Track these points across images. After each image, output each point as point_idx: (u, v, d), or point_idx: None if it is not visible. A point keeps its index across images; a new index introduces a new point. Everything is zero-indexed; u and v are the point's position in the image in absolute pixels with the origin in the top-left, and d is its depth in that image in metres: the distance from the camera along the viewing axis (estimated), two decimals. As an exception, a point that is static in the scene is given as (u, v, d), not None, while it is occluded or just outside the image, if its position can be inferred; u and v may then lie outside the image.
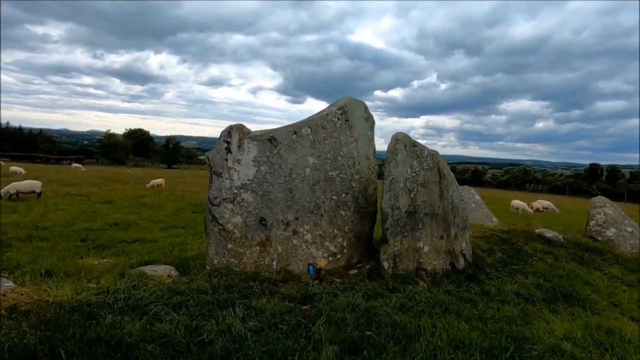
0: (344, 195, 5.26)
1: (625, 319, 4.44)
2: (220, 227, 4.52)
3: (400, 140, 4.92)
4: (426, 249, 5.17)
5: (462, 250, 5.49)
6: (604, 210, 7.51)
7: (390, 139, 4.97)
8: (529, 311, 4.19)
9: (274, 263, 4.60)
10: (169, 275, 4.15)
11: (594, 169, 52.51)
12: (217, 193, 4.54)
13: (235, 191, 4.58)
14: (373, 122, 5.92)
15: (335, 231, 5.11)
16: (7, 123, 62.65)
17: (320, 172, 5.08)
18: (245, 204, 4.59)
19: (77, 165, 33.36)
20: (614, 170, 51.99)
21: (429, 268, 5.11)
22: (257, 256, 4.55)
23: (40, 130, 67.35)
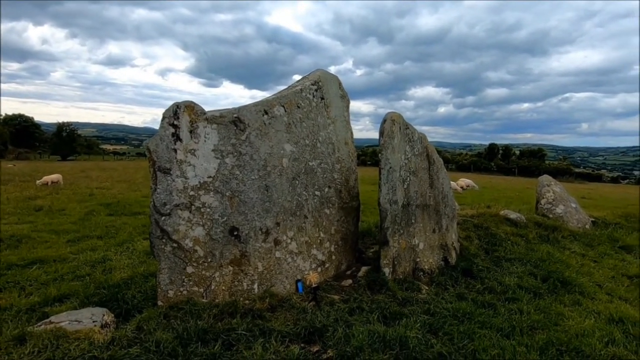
0: (326, 189, 4.32)
1: (617, 301, 4.40)
2: (175, 244, 3.23)
3: (397, 122, 4.11)
4: (421, 245, 4.53)
5: (453, 243, 4.99)
6: (552, 188, 7.84)
7: (383, 120, 4.11)
8: (545, 308, 3.83)
9: (255, 286, 3.47)
10: (102, 326, 2.77)
11: (492, 148, 59.61)
12: (167, 197, 3.22)
13: (192, 193, 3.32)
14: (348, 101, 5.03)
15: (322, 235, 4.16)
16: None
17: (299, 162, 4.04)
18: (208, 209, 3.36)
19: None
20: (507, 149, 59.76)
21: (426, 267, 4.50)
22: (230, 280, 3.38)
23: None
